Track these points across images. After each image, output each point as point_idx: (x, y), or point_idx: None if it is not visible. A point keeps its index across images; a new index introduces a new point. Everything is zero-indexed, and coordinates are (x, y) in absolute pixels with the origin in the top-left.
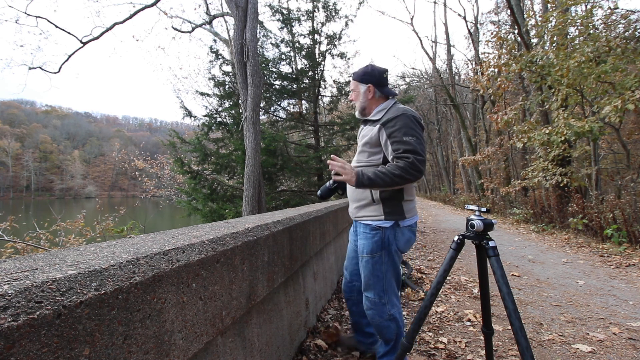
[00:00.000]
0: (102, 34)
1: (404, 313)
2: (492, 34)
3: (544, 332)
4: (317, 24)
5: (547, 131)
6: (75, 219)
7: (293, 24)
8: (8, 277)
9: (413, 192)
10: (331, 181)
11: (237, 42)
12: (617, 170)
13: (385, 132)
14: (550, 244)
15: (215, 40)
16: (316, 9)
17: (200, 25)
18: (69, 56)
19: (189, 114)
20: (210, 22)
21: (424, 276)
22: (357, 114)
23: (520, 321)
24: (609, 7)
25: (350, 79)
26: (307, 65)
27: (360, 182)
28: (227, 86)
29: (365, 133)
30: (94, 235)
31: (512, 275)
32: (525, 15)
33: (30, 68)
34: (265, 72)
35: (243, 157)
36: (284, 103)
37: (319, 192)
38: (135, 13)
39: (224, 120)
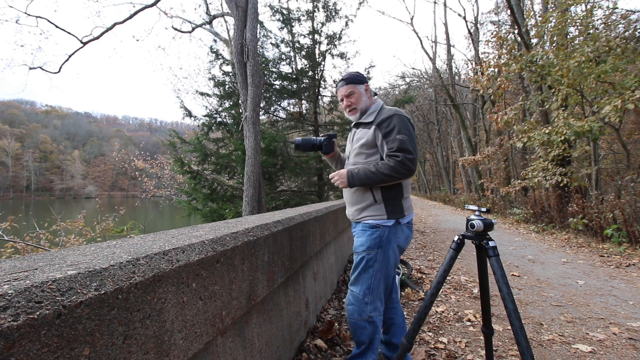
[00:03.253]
0: (102, 34)
1: (404, 313)
2: (492, 34)
3: (544, 332)
4: (317, 24)
5: (547, 131)
6: (75, 219)
7: (293, 24)
8: (8, 277)
9: (409, 189)
10: (322, 138)
11: (237, 42)
12: (617, 170)
13: (380, 132)
14: (550, 244)
15: (215, 40)
16: (316, 9)
17: (200, 25)
18: (69, 56)
19: (189, 114)
20: (210, 22)
21: (424, 276)
22: (356, 116)
23: (520, 321)
24: (609, 7)
25: (340, 85)
26: (307, 65)
27: (352, 184)
28: (227, 86)
29: (361, 135)
30: (94, 235)
31: (512, 275)
32: (525, 15)
33: (30, 68)
34: (265, 72)
35: (243, 157)
36: (284, 103)
37: (299, 139)
38: (135, 13)
39: (224, 120)
